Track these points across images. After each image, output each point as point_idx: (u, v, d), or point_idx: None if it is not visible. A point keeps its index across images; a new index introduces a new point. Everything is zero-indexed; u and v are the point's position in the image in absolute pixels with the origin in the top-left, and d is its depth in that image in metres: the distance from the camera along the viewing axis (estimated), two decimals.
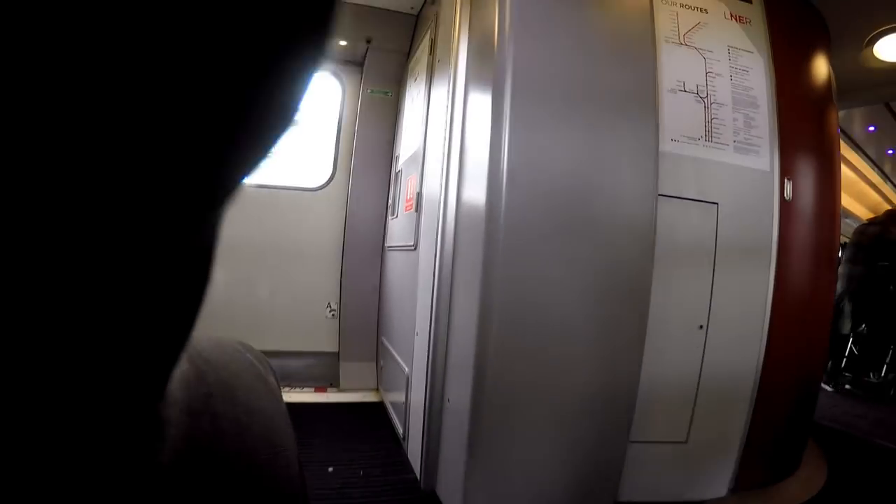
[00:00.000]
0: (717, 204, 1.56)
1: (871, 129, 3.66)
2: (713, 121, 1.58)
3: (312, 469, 1.82)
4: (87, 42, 0.09)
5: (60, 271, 0.11)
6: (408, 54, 2.69)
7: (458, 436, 1.44)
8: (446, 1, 1.89)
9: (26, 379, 0.11)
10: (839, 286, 2.99)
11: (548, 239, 1.35)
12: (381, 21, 2.61)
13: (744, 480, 1.72)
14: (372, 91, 2.79)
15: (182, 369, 0.22)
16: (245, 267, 2.66)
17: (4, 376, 0.11)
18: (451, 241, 1.58)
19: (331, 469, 1.83)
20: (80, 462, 0.14)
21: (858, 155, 4.10)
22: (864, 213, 4.91)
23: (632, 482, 1.53)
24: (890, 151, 4.17)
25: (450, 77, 1.70)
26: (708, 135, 1.57)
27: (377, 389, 2.71)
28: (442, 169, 1.68)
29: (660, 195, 1.45)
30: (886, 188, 4.97)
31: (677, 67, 1.57)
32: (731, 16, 1.70)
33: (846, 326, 3.38)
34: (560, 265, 1.36)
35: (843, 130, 3.41)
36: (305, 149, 2.89)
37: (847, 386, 3.44)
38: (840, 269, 3.22)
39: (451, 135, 1.66)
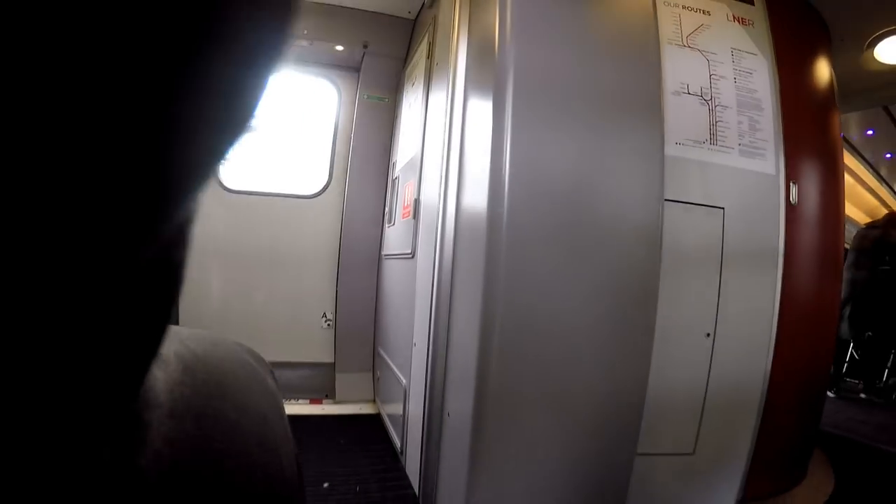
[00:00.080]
0: (722, 208, 1.53)
1: (870, 132, 3.66)
2: (718, 123, 1.55)
3: (307, 485, 1.75)
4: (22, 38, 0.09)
5: (14, 273, 0.10)
6: (405, 59, 2.66)
7: (459, 450, 1.38)
8: (445, 4, 1.86)
9: None
10: (843, 292, 2.96)
11: (552, 245, 1.31)
12: (378, 26, 2.59)
13: (752, 491, 1.69)
14: (368, 97, 2.76)
15: (169, 369, 0.22)
16: (238, 275, 2.61)
17: None
18: (451, 249, 1.54)
19: (326, 485, 1.78)
20: (47, 467, 0.14)
21: (856, 159, 4.10)
22: (861, 218, 4.91)
23: (638, 496, 1.48)
24: (888, 155, 4.17)
25: (448, 80, 1.67)
26: (713, 138, 1.54)
27: (374, 401, 2.65)
28: (441, 174, 1.64)
29: (665, 200, 1.41)
30: (883, 192, 4.98)
31: (681, 69, 1.55)
32: (734, 17, 1.68)
33: (847, 332, 3.35)
34: (565, 272, 1.31)
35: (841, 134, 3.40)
36: (300, 155, 2.86)
37: (862, 395, 3.39)
38: (843, 275, 3.20)
39: (450, 139, 1.62)
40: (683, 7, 1.61)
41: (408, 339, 1.90)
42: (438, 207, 1.63)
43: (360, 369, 2.73)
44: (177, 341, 0.24)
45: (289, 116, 2.80)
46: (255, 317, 2.65)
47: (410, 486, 1.76)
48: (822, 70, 1.93)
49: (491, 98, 1.37)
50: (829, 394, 3.28)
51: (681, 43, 1.59)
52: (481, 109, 1.45)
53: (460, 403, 1.41)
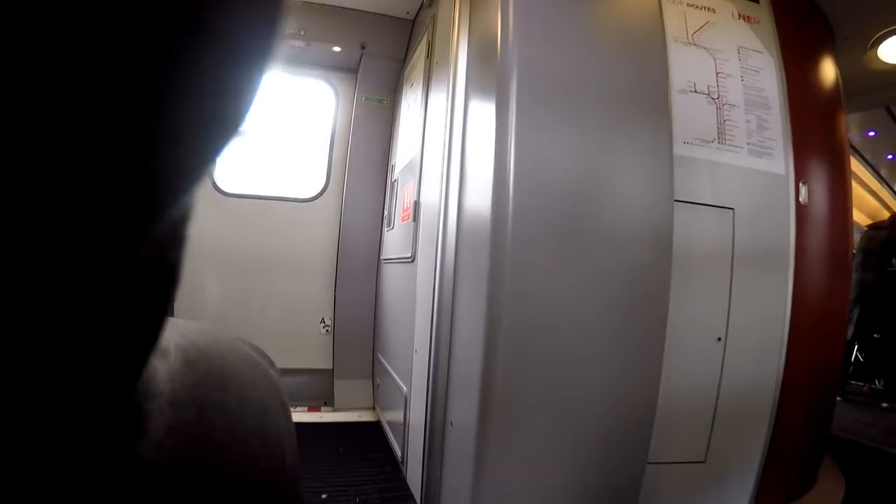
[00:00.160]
0: (732, 209, 1.49)
1: (872, 134, 3.64)
2: (726, 122, 1.52)
3: (305, 496, 1.70)
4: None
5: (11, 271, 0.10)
6: (403, 60, 2.63)
7: (463, 460, 1.33)
8: (444, 2, 1.82)
9: None
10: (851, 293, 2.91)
11: (559, 248, 1.26)
12: (376, 26, 2.55)
13: (763, 500, 1.65)
14: (366, 98, 2.72)
15: (170, 360, 0.22)
16: (235, 280, 2.57)
17: None
18: (452, 252, 1.50)
19: (324, 496, 1.73)
20: (49, 458, 0.14)
21: (857, 159, 4.08)
22: (862, 220, 4.89)
23: None
24: (889, 156, 4.15)
25: (449, 79, 1.63)
26: (721, 137, 1.51)
27: (374, 408, 2.60)
28: (441, 175, 1.60)
29: (674, 200, 1.37)
30: (885, 194, 4.97)
31: (687, 67, 1.51)
32: (739, 15, 1.65)
33: (853, 333, 3.31)
34: (573, 275, 1.27)
35: None
36: (298, 158, 2.82)
37: (885, 404, 3.26)
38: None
39: (451, 139, 1.58)
40: (688, 4, 1.58)
41: (408, 346, 1.85)
42: (439, 209, 1.59)
43: (359, 376, 2.67)
44: (178, 333, 0.24)
45: (286, 119, 2.76)
46: (251, 322, 2.60)
47: (412, 498, 1.70)
48: (828, 69, 1.90)
49: (494, 97, 1.33)
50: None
51: (686, 41, 1.56)
52: (483, 108, 1.41)
53: (464, 413, 1.36)
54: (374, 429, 2.39)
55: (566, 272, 1.26)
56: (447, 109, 1.62)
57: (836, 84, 1.92)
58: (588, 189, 1.30)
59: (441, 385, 1.51)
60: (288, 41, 2.48)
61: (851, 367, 3.55)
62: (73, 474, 0.15)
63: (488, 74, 1.39)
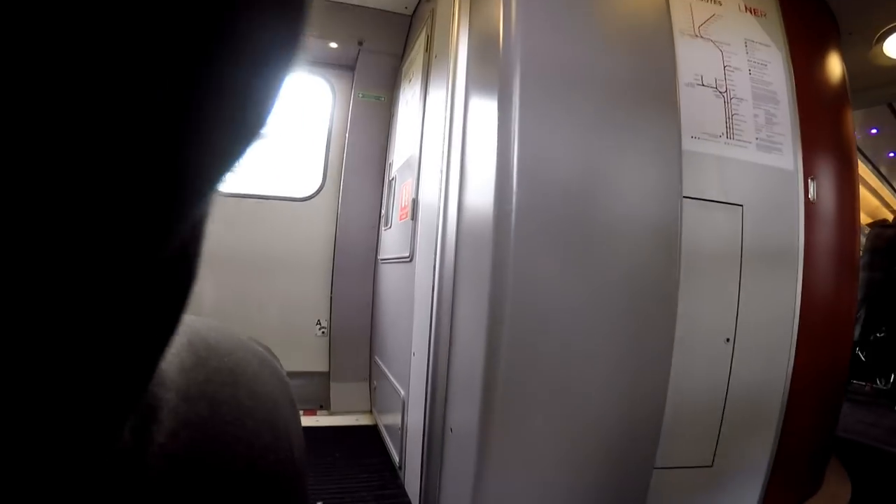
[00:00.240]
0: (741, 206, 1.45)
1: (874, 131, 3.61)
2: (734, 117, 1.47)
3: None
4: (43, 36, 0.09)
5: (35, 269, 0.11)
6: (402, 56, 2.58)
7: (463, 467, 1.28)
8: None
9: (9, 369, 0.11)
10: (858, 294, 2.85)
11: (564, 245, 1.21)
12: (374, 22, 2.50)
13: (770, 503, 1.59)
14: (364, 95, 2.67)
15: (181, 356, 0.23)
16: (229, 281, 2.51)
17: None
18: (452, 251, 1.45)
19: (320, 503, 1.68)
20: (69, 444, 0.14)
21: (858, 157, 4.04)
22: (862, 219, 4.87)
23: None
24: (891, 154, 4.12)
25: (448, 73, 1.58)
26: (729, 131, 1.46)
27: (371, 412, 2.54)
28: (441, 172, 1.55)
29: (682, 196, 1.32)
30: (885, 192, 4.94)
31: (694, 61, 1.47)
32: (746, 8, 1.61)
33: (858, 333, 3.27)
34: (578, 274, 1.22)
35: None
36: (294, 157, 2.77)
37: None
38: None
39: (451, 135, 1.53)
40: None
41: (406, 348, 1.80)
42: (439, 207, 1.54)
43: (355, 379, 2.62)
44: (189, 330, 0.25)
45: (282, 117, 2.71)
46: (246, 324, 2.54)
47: None
48: (835, 64, 1.86)
49: (496, 91, 1.28)
50: None
51: (693, 34, 1.51)
52: (485, 103, 1.36)
53: (464, 418, 1.31)
54: (372, 433, 2.33)
55: (572, 271, 1.22)
56: (447, 104, 1.57)
57: (843, 79, 1.88)
58: (594, 185, 1.26)
59: (440, 389, 1.46)
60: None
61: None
62: (95, 458, 0.16)
63: (490, 68, 1.34)
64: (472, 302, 1.31)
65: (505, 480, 1.22)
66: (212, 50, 0.11)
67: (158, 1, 0.09)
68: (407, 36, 2.54)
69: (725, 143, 1.45)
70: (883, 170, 4.52)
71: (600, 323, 1.23)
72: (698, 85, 1.46)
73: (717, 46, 1.53)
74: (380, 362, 2.38)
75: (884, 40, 2.14)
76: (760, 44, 1.59)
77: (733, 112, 1.48)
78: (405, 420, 1.78)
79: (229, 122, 0.13)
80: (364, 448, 2.16)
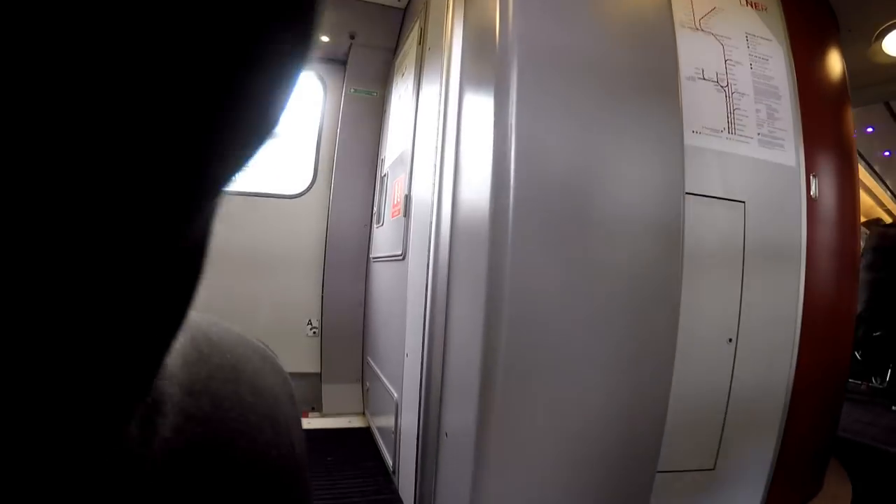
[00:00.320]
0: (743, 202, 1.41)
1: (870, 130, 3.60)
2: (735, 111, 1.44)
3: None
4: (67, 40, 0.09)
5: (47, 265, 0.11)
6: (394, 50, 2.52)
7: (460, 471, 1.24)
8: None
9: (17, 362, 0.12)
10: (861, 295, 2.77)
11: (563, 242, 1.17)
12: (366, 15, 2.44)
13: None
14: (355, 90, 2.61)
15: (185, 352, 0.23)
16: (217, 280, 2.41)
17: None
18: (447, 248, 1.40)
19: None
20: (77, 435, 0.14)
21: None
22: None
23: None
24: (887, 153, 4.13)
25: (442, 66, 1.53)
26: (731, 126, 1.43)
27: (363, 413, 2.49)
28: (434, 167, 1.50)
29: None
30: (879, 191, 4.96)
31: (694, 54, 1.43)
32: (747, 2, 1.58)
33: (863, 333, 3.23)
34: (578, 272, 1.17)
35: None
36: (284, 153, 2.70)
37: (894, 407, 3.15)
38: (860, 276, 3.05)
39: (445, 129, 1.48)
40: None
41: (399, 349, 1.75)
42: (432, 203, 1.49)
43: (348, 380, 2.57)
44: (192, 326, 0.25)
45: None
46: (235, 323, 2.47)
47: None
48: (836, 60, 1.84)
49: (492, 84, 1.24)
50: None
51: (693, 26, 1.48)
52: (481, 96, 1.31)
53: (460, 422, 1.27)
54: (365, 435, 2.28)
55: (571, 269, 1.17)
56: (441, 98, 1.52)
57: (843, 76, 1.86)
58: (593, 180, 1.21)
59: (434, 392, 1.41)
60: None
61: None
62: (104, 450, 0.16)
63: (486, 61, 1.30)
64: (468, 301, 1.27)
65: (503, 487, 1.17)
66: (243, 54, 0.11)
67: (193, 15, 0.10)
68: (400, 29, 2.49)
69: (727, 139, 1.42)
70: (877, 168, 4.52)
71: (601, 323, 1.19)
72: (699, 79, 1.42)
73: (718, 40, 1.49)
74: (372, 363, 2.33)
75: (883, 38, 2.12)
76: (761, 38, 1.56)
77: (735, 107, 1.45)
78: (399, 423, 1.73)
79: (246, 122, 0.13)
80: (357, 451, 2.11)
